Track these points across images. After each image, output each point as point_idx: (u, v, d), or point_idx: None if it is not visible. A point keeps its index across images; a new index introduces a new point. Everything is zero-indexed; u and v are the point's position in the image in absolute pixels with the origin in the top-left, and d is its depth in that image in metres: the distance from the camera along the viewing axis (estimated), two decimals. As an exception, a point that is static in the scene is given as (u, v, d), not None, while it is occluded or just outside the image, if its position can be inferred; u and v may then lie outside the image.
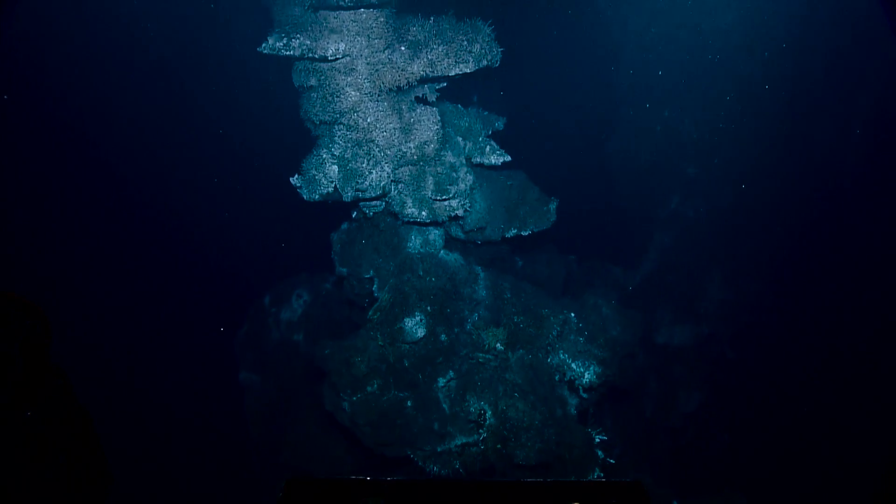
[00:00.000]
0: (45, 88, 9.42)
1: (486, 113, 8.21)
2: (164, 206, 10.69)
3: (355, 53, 6.62)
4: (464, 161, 7.71)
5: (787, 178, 10.35)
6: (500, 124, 8.18)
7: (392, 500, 2.82)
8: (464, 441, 7.33)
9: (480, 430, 7.23)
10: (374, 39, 6.59)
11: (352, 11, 6.49)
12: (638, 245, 11.25)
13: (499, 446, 7.11)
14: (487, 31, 6.97)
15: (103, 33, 9.02)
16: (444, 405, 7.44)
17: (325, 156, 7.24)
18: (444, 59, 6.58)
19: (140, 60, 9.45)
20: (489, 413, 7.20)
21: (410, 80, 6.64)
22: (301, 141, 7.80)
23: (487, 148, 7.74)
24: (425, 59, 6.56)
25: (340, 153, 7.15)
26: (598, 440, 7.53)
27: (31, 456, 2.48)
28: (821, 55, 9.76)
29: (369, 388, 7.29)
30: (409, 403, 7.36)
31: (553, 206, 8.11)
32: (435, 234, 8.06)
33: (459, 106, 8.16)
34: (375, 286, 7.99)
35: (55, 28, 9.02)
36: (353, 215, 8.24)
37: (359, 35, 6.53)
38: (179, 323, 10.89)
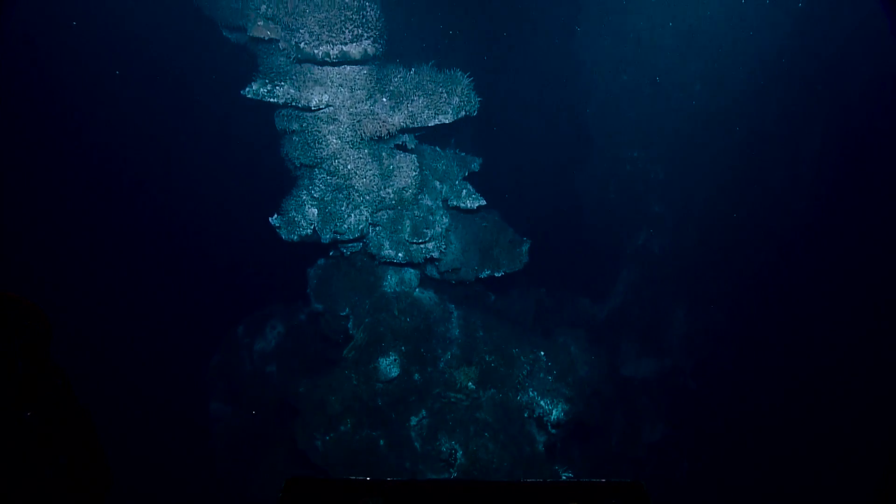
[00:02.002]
0: (43, 92, 9.31)
1: (462, 154, 8.43)
2: (149, 225, 10.60)
3: (338, 104, 6.77)
4: (440, 204, 7.91)
5: (748, 217, 10.90)
6: (475, 165, 8.40)
7: (392, 500, 2.83)
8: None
9: (451, 470, 7.40)
10: (356, 90, 6.75)
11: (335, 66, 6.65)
12: (606, 280, 11.63)
13: (469, 486, 7.27)
14: (466, 83, 7.21)
15: (92, 66, 8.99)
16: (416, 444, 7.58)
17: (304, 197, 7.36)
18: (424, 111, 6.79)
19: (127, 94, 9.42)
20: (460, 453, 7.37)
21: (391, 130, 6.82)
22: (282, 172, 7.89)
23: (464, 192, 7.96)
24: (406, 111, 6.76)
25: (320, 196, 7.28)
26: (564, 478, 7.77)
27: (31, 456, 2.48)
28: (777, 101, 10.35)
29: (342, 428, 7.39)
30: (381, 442, 7.48)
31: (525, 247, 8.38)
32: (411, 274, 8.23)
33: (437, 148, 8.37)
34: (351, 323, 8.11)
35: (55, 30, 8.93)
36: (331, 253, 8.36)
37: (342, 86, 6.68)
38: (153, 345, 10.75)
